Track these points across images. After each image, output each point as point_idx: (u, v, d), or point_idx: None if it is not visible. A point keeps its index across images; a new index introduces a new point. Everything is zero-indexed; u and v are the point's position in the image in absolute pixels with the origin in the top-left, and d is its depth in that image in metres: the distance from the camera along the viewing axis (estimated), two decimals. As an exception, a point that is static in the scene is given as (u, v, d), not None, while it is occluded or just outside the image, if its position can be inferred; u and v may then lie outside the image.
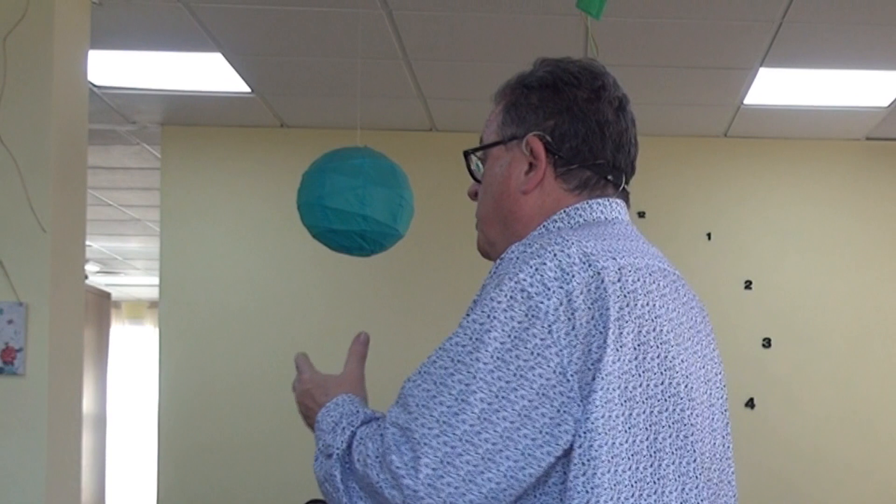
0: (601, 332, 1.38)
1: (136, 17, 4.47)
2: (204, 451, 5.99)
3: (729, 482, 1.57)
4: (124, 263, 11.47)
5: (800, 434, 6.07)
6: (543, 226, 1.55)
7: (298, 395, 1.64)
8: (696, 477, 1.47)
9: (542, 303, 1.37)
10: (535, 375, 1.36)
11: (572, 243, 1.43)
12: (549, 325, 1.37)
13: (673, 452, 1.44)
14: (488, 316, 1.39)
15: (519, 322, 1.37)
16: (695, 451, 1.47)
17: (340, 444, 1.46)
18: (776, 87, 5.30)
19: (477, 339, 1.38)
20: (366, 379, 1.65)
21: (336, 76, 5.19)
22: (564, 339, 1.37)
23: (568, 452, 1.38)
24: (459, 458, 1.35)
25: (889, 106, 5.52)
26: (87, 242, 7.14)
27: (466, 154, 1.66)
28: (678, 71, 5.10)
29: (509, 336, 1.37)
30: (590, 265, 1.41)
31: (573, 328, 1.37)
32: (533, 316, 1.37)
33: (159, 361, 6.07)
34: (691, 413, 1.47)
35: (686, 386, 1.47)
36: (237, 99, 5.59)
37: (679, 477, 1.44)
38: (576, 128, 1.56)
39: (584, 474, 1.37)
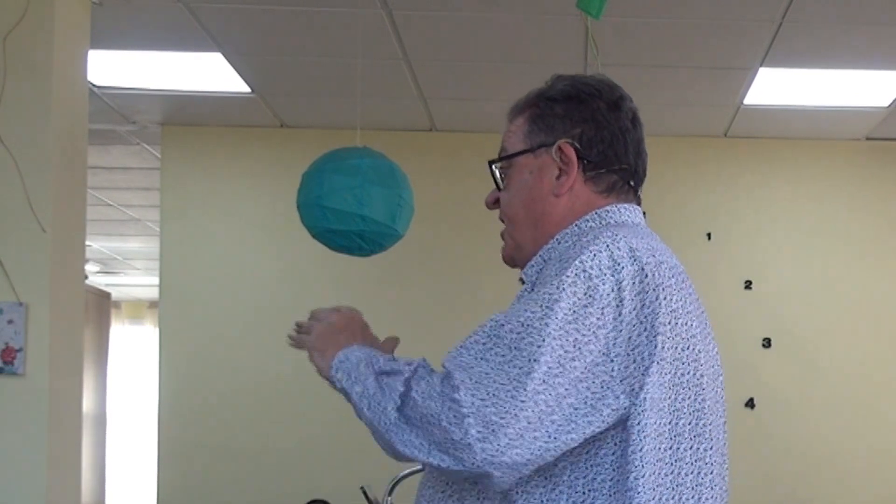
0: (647, 322, 1.50)
1: (136, 17, 4.47)
2: (204, 450, 5.99)
3: (723, 477, 1.64)
4: (124, 263, 11.47)
5: (800, 434, 6.07)
6: (576, 224, 1.66)
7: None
8: (711, 463, 1.57)
9: (598, 286, 1.49)
10: (588, 351, 1.48)
11: (620, 238, 1.55)
12: (603, 308, 1.49)
13: (692, 438, 1.55)
14: (557, 288, 1.49)
15: (580, 299, 1.49)
16: (710, 438, 1.57)
17: (407, 368, 1.56)
18: (776, 87, 5.30)
19: (547, 307, 1.48)
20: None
21: (336, 76, 5.19)
22: (612, 324, 1.49)
23: (622, 427, 1.49)
24: (521, 413, 1.45)
25: (889, 106, 5.52)
26: (87, 242, 7.13)
27: (491, 164, 1.75)
28: (678, 71, 5.10)
29: (572, 310, 1.48)
30: (635, 259, 1.52)
31: (620, 314, 1.49)
32: (591, 296, 1.49)
33: (159, 361, 6.07)
34: (708, 404, 1.58)
35: (705, 378, 1.58)
36: (237, 99, 5.59)
37: (696, 462, 1.55)
38: (601, 134, 1.69)
39: (640, 449, 1.49)
